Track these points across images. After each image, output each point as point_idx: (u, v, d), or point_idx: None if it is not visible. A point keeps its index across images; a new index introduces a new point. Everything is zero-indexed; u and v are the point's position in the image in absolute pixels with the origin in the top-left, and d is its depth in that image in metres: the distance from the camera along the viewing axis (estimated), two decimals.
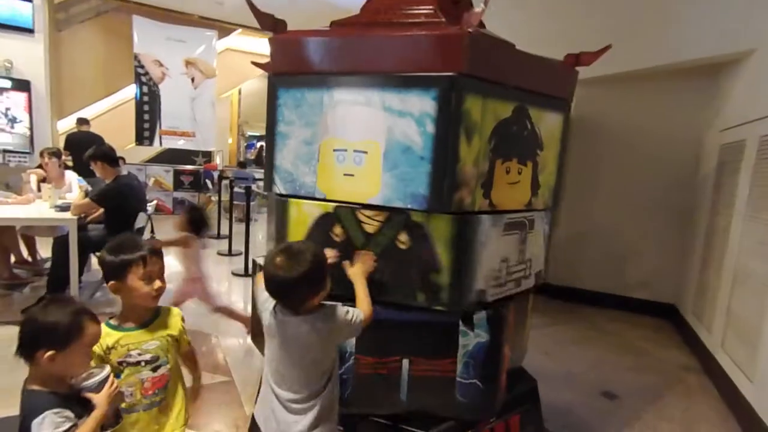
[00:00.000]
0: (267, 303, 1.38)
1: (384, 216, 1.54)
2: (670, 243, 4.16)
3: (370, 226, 1.56)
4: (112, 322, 1.36)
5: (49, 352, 1.09)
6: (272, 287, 1.29)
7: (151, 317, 1.39)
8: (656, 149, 4.16)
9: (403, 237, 1.53)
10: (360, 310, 1.39)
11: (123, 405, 1.32)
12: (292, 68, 1.63)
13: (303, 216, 1.64)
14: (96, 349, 1.28)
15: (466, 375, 1.59)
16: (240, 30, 8.40)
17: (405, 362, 1.59)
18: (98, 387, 1.18)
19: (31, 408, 1.09)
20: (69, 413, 1.10)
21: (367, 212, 1.55)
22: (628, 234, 4.33)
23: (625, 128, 4.28)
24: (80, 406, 1.14)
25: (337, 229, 1.59)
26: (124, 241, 1.37)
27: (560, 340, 3.57)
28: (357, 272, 1.50)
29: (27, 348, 1.11)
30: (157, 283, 1.35)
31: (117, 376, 1.30)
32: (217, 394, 2.46)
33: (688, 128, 4.02)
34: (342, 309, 1.35)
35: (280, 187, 1.68)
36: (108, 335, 1.31)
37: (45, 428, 1.06)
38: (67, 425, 1.08)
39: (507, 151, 1.61)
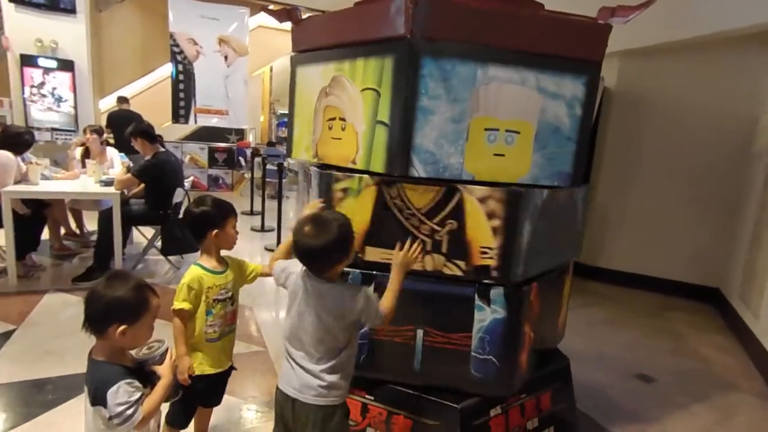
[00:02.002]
0: (294, 269, 1.43)
1: None
2: (716, 223, 3.96)
3: None
4: (206, 266, 1.59)
5: (122, 327, 1.14)
6: (300, 253, 1.35)
7: (225, 263, 1.65)
8: (704, 125, 3.93)
9: None
10: (384, 306, 1.37)
11: (215, 334, 1.60)
12: (444, 35, 1.43)
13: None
14: (195, 286, 1.54)
15: (481, 350, 1.57)
16: (271, 6, 8.36)
17: (419, 332, 1.60)
18: (161, 359, 1.26)
19: (103, 378, 1.14)
20: (138, 384, 1.17)
21: None
22: (669, 213, 4.15)
23: (671, 102, 4.06)
24: (142, 378, 1.21)
25: None
26: (205, 198, 1.62)
27: (592, 321, 3.49)
28: (398, 263, 1.45)
29: (98, 323, 1.16)
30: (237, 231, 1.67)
31: (209, 312, 1.57)
32: (252, 363, 2.56)
33: (741, 102, 3.76)
34: (371, 297, 1.36)
35: (419, 170, 1.49)
36: (208, 278, 1.57)
37: (120, 397, 1.12)
38: (138, 395, 1.15)
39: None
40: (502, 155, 1.53)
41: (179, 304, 1.52)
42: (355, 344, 1.44)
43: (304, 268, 1.40)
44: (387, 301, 1.38)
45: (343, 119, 1.65)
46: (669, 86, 4.06)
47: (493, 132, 1.51)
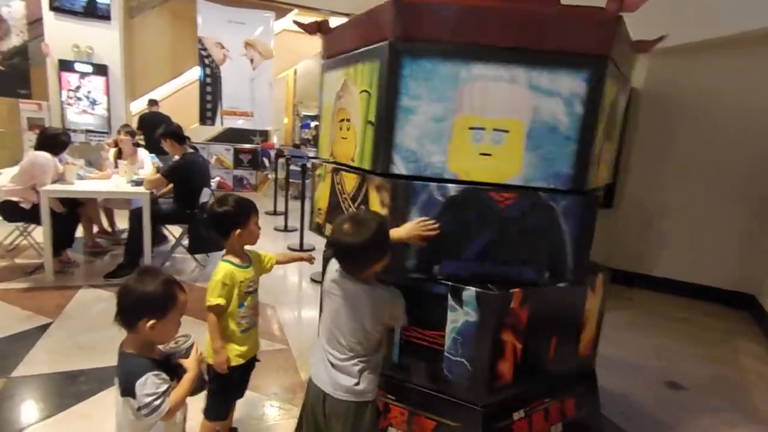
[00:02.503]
0: (331, 267, 1.47)
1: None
2: (751, 227, 3.81)
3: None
4: (235, 262, 1.63)
5: (151, 321, 1.18)
6: (337, 251, 1.37)
7: (248, 257, 1.70)
8: (738, 123, 3.78)
9: None
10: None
11: (246, 325, 1.66)
12: (425, 36, 1.46)
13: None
14: (228, 282, 1.58)
15: (453, 352, 1.55)
16: (296, 10, 8.48)
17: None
18: (186, 353, 1.30)
19: (132, 370, 1.19)
20: (165, 376, 1.21)
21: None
22: (700, 215, 4.01)
23: (703, 100, 3.92)
24: (168, 371, 1.25)
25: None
26: (227, 198, 1.64)
27: (617, 325, 3.39)
28: (400, 236, 1.47)
29: (129, 317, 1.20)
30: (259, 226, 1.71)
31: (241, 305, 1.62)
32: (274, 360, 2.59)
33: None
34: (401, 302, 1.43)
35: (401, 168, 1.52)
36: (239, 273, 1.62)
37: (148, 388, 1.16)
38: (165, 386, 1.19)
39: (609, 130, 1.66)
40: (489, 155, 1.49)
41: (215, 299, 1.56)
42: (386, 343, 1.48)
43: (339, 269, 1.42)
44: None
45: (348, 120, 1.73)
46: (701, 84, 3.92)
47: (479, 131, 1.48)
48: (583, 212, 1.55)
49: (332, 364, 1.40)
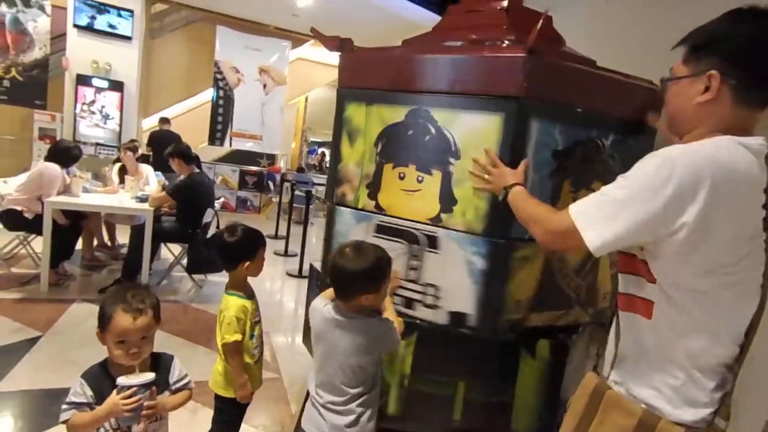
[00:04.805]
0: (318, 306, 1.45)
1: None
2: None
3: None
4: (242, 294, 1.62)
5: (97, 330, 1.22)
6: (334, 275, 1.38)
7: (251, 287, 1.69)
8: None
9: None
10: (399, 331, 1.45)
11: (258, 354, 1.67)
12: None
13: None
14: (242, 316, 1.56)
15: None
16: (312, 41, 8.74)
17: None
18: (120, 390, 1.13)
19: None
20: (89, 391, 1.16)
21: None
22: None
23: None
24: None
25: None
26: (236, 228, 1.62)
27: None
28: (389, 292, 1.54)
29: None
30: None
31: (251, 336, 1.62)
32: (265, 390, 2.50)
33: None
34: (392, 326, 1.42)
35: None
36: (248, 304, 1.61)
37: (72, 390, 1.18)
38: (79, 400, 1.16)
39: (398, 155, 1.60)
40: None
41: (232, 336, 1.54)
42: (379, 379, 1.45)
43: (329, 306, 1.42)
44: (399, 326, 1.46)
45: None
46: None
47: None
48: None
49: (330, 410, 1.37)
